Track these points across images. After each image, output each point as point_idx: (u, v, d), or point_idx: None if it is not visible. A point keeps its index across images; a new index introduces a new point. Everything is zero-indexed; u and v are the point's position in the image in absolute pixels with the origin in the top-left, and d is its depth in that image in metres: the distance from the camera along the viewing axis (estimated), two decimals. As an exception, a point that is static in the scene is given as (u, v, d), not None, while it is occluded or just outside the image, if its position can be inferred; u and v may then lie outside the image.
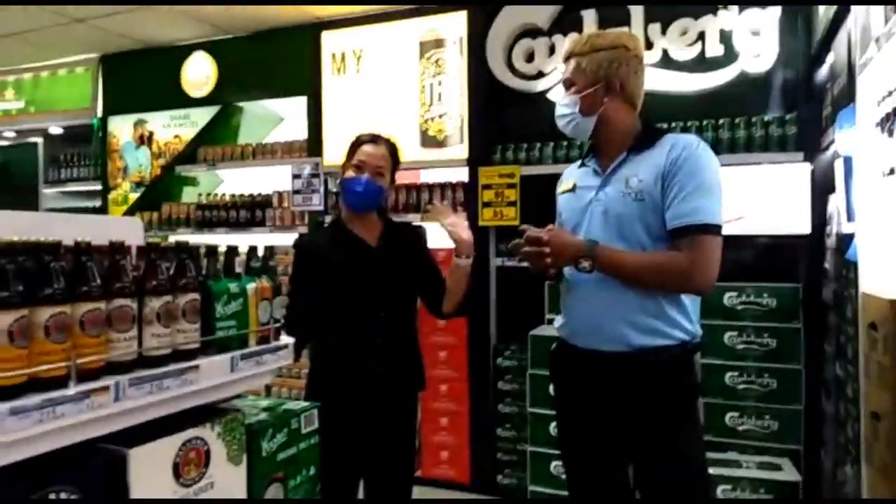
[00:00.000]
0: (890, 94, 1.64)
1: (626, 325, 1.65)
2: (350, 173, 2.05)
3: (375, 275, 2.02)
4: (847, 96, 2.10)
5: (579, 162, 1.92)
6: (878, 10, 1.64)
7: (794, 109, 3.05)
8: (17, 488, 0.92)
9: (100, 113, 4.82)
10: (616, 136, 1.76)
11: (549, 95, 3.45)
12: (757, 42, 3.05)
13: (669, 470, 1.65)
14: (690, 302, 1.70)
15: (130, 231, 1.53)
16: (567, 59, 1.83)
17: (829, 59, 2.63)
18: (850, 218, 2.09)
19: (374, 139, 2.09)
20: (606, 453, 1.77)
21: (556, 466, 3.07)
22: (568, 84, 1.82)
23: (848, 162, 1.98)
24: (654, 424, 1.64)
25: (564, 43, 1.86)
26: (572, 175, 1.89)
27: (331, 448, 2.02)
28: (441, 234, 2.16)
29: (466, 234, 2.07)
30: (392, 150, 2.11)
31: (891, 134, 1.56)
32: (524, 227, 1.72)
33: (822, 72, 2.82)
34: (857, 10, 1.92)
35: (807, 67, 3.01)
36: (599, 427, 1.74)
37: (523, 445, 3.33)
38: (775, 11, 3.00)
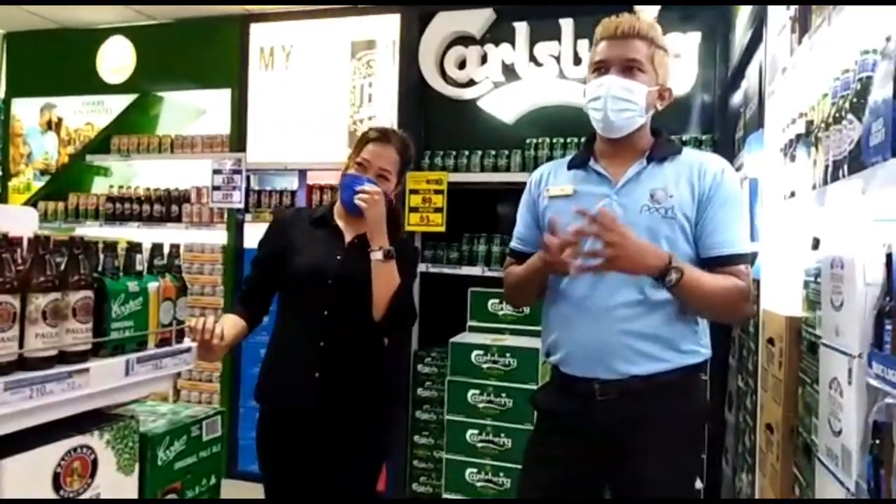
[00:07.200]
0: (793, 121, 1.74)
1: (650, 346, 1.49)
2: (352, 170, 1.86)
3: (333, 271, 1.83)
4: (757, 121, 2.21)
5: (565, 162, 1.69)
6: (785, 42, 1.74)
7: (710, 131, 3.19)
8: None
9: (1, 94, 4.50)
10: (641, 144, 1.59)
11: (480, 103, 3.47)
12: (677, 65, 3.17)
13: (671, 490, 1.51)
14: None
15: (23, 222, 1.42)
16: (630, 36, 1.53)
17: (744, 84, 2.77)
18: (752, 237, 2.20)
19: (383, 136, 1.87)
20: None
21: (470, 474, 3.07)
22: (629, 66, 1.53)
23: (754, 184, 2.08)
24: (668, 453, 1.48)
25: (628, 18, 1.55)
26: (563, 177, 1.65)
27: (274, 455, 1.86)
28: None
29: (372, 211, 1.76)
30: (402, 148, 1.90)
31: (793, 159, 1.65)
32: (587, 211, 1.41)
33: (737, 97, 2.96)
34: (768, 41, 2.02)
35: (723, 92, 3.15)
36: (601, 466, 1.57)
37: (439, 453, 3.32)
38: (696, 37, 3.12)
